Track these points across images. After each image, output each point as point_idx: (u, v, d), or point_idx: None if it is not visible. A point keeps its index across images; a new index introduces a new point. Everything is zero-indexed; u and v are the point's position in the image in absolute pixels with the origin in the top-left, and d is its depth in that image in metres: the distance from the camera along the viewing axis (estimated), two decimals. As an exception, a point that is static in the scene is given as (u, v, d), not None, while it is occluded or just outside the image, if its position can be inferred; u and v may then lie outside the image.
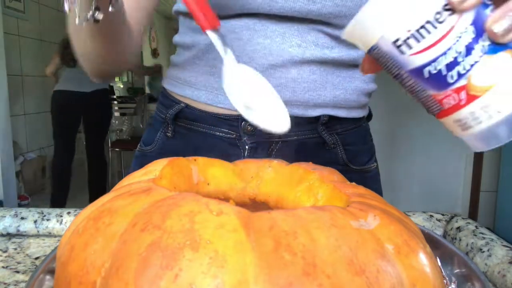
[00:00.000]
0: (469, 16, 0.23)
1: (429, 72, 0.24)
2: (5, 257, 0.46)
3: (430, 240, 0.32)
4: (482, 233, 0.47)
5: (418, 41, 0.24)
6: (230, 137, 0.54)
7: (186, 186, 0.33)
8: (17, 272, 0.42)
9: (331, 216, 0.21)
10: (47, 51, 3.44)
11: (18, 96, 3.10)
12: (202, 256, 0.18)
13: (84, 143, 3.33)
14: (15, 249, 0.48)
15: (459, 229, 0.50)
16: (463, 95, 0.24)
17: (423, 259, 0.22)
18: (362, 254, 0.19)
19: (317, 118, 0.53)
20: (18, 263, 0.44)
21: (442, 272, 0.33)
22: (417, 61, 0.24)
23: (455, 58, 0.23)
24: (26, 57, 3.19)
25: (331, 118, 0.54)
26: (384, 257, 0.20)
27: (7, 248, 0.48)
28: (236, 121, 0.53)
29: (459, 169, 2.39)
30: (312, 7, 0.47)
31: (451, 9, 0.23)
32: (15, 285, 0.39)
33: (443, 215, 0.55)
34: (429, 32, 0.23)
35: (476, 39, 0.23)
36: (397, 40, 0.24)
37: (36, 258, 0.46)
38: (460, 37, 0.23)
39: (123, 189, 0.26)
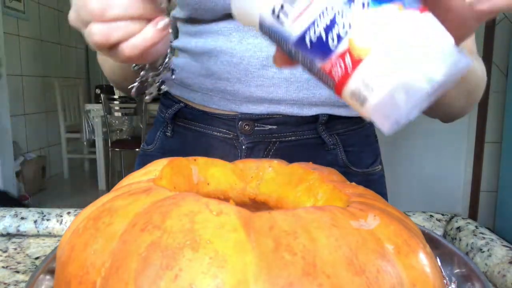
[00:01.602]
0: None
1: (310, 39, 0.21)
2: (5, 257, 0.46)
3: (430, 240, 0.32)
4: (482, 233, 0.47)
5: (292, 4, 0.21)
6: (227, 137, 0.54)
7: (186, 186, 0.33)
8: (17, 272, 0.42)
9: (331, 216, 0.21)
10: (47, 51, 3.44)
11: (18, 96, 3.10)
12: (202, 256, 0.18)
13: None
14: (15, 249, 0.48)
15: (459, 229, 0.50)
16: (348, 59, 0.20)
17: (423, 259, 0.22)
18: (362, 254, 0.20)
19: (316, 118, 0.53)
20: (18, 263, 0.44)
21: (442, 272, 0.33)
22: (296, 29, 0.21)
23: (334, 17, 0.20)
24: (26, 57, 3.19)
25: (332, 117, 0.53)
26: (384, 257, 0.20)
27: (7, 248, 0.48)
28: (233, 121, 0.53)
29: (459, 169, 2.39)
30: None
31: None
32: (15, 285, 0.39)
33: (443, 215, 0.55)
34: None
35: None
36: (274, 10, 0.21)
37: (36, 258, 0.46)
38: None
39: (123, 189, 0.26)
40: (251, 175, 0.37)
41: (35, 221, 0.53)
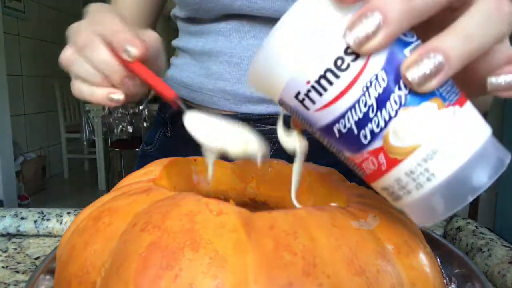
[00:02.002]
0: (381, 59, 0.18)
1: (339, 130, 0.19)
2: (5, 257, 0.46)
3: (430, 240, 0.32)
4: (482, 233, 0.47)
5: (320, 94, 0.19)
6: None
7: (186, 186, 0.33)
8: (17, 272, 0.42)
9: (331, 216, 0.21)
10: (47, 51, 3.44)
11: (18, 96, 3.10)
12: (202, 256, 0.18)
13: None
14: (15, 249, 0.48)
15: (459, 229, 0.50)
16: (382, 158, 0.19)
17: (423, 259, 0.22)
18: (362, 254, 0.20)
19: None
20: (18, 263, 0.44)
21: (442, 272, 0.33)
22: (324, 118, 0.20)
23: (366, 114, 0.18)
24: (26, 57, 3.19)
25: None
26: (384, 257, 0.20)
27: (7, 248, 0.48)
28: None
29: (459, 169, 2.38)
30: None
31: (354, 52, 0.18)
32: (15, 285, 0.39)
33: (443, 215, 0.55)
34: (331, 83, 0.19)
35: (390, 88, 0.18)
36: (298, 93, 0.20)
37: (36, 258, 0.46)
38: (368, 86, 0.18)
39: (123, 189, 0.26)
40: (251, 175, 0.37)
41: (35, 221, 0.53)
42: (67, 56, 0.32)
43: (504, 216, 2.14)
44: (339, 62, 0.18)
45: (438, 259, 0.33)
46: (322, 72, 0.19)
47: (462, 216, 0.54)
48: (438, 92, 0.18)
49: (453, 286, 0.32)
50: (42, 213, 0.54)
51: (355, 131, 0.19)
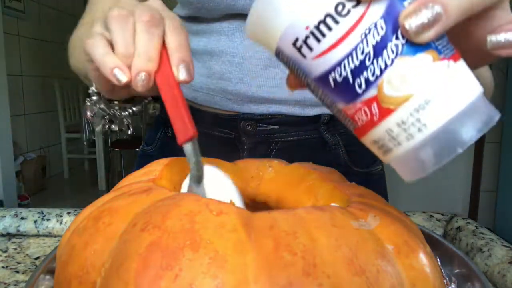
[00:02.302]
0: (380, 7, 0.18)
1: (334, 79, 0.19)
2: (5, 257, 0.46)
3: (430, 240, 0.32)
4: (482, 233, 0.47)
5: (318, 40, 0.19)
6: (229, 137, 0.54)
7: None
8: (17, 272, 0.42)
9: (331, 216, 0.21)
10: (47, 51, 3.44)
11: (18, 96, 3.10)
12: (202, 256, 0.18)
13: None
14: (15, 249, 0.48)
15: (459, 229, 0.50)
16: (375, 108, 0.19)
17: (423, 259, 0.22)
18: (362, 254, 0.19)
19: (317, 118, 0.53)
20: (18, 263, 0.44)
21: (442, 272, 0.33)
22: (320, 66, 0.20)
23: (362, 61, 0.18)
24: (26, 57, 3.19)
25: (333, 117, 0.54)
26: (384, 257, 0.20)
27: (7, 248, 0.48)
28: (234, 121, 0.53)
29: (459, 169, 2.39)
30: None
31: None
32: (15, 285, 0.39)
33: (443, 215, 0.55)
34: (330, 28, 0.18)
35: (387, 37, 0.18)
36: (296, 40, 0.20)
37: (36, 258, 0.46)
38: (367, 34, 0.18)
39: (123, 189, 0.26)
40: (251, 175, 0.37)
41: (35, 221, 0.53)
42: (120, 13, 0.29)
43: (504, 216, 2.14)
44: (339, 8, 0.18)
45: (438, 259, 0.33)
46: (322, 17, 0.19)
47: (462, 216, 0.54)
48: (434, 44, 0.19)
49: (453, 286, 0.32)
50: (42, 213, 0.54)
51: (350, 79, 0.19)
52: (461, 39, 0.22)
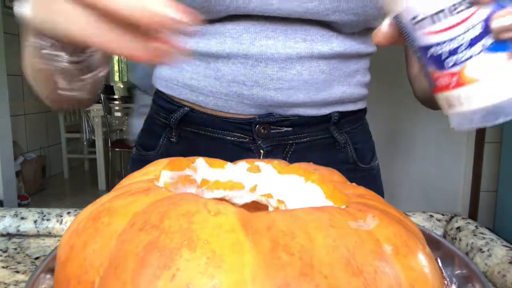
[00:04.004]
0: (484, 13, 0.25)
1: (432, 53, 0.27)
2: (5, 257, 0.46)
3: (431, 241, 0.32)
4: (482, 233, 0.47)
5: (433, 23, 0.26)
6: (243, 141, 0.52)
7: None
8: (17, 272, 0.42)
9: (329, 217, 0.21)
10: (48, 51, 3.44)
11: (18, 96, 3.10)
12: (199, 256, 0.18)
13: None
14: (15, 249, 0.48)
15: (459, 229, 0.50)
16: (454, 79, 0.27)
17: (422, 260, 0.22)
18: (360, 254, 0.19)
19: (328, 117, 0.53)
20: (18, 263, 0.44)
21: (443, 273, 0.33)
22: (427, 40, 0.27)
23: (458, 47, 0.26)
24: (27, 57, 3.19)
25: (341, 116, 0.54)
26: (382, 257, 0.20)
27: (7, 248, 0.48)
28: (249, 125, 0.51)
29: (459, 169, 2.39)
30: (309, 5, 0.46)
31: (470, 2, 0.25)
32: (15, 285, 0.39)
33: (443, 215, 0.55)
34: (445, 17, 0.25)
35: (482, 35, 0.25)
36: (415, 17, 0.26)
37: (36, 258, 0.46)
38: (469, 30, 0.25)
39: (123, 189, 0.26)
40: (252, 175, 0.37)
41: (35, 221, 0.53)
42: None
43: (504, 216, 2.14)
44: (456, 5, 0.25)
45: (439, 260, 0.33)
46: (441, 8, 0.25)
47: (462, 216, 0.54)
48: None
49: (453, 287, 0.32)
50: (42, 213, 0.54)
51: (444, 56, 0.26)
52: None
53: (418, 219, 0.55)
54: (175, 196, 0.22)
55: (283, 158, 0.53)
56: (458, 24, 0.25)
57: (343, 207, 0.25)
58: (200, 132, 0.54)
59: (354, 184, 0.33)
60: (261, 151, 0.52)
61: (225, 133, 0.53)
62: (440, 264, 0.33)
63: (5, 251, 0.47)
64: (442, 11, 0.26)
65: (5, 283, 0.39)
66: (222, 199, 0.33)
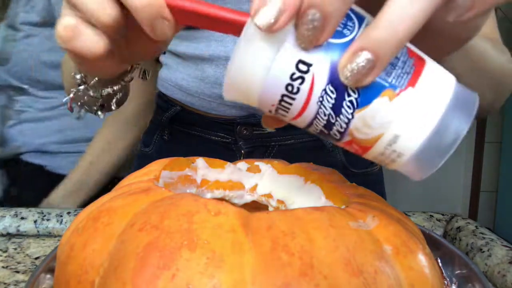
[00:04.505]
0: (324, 76, 0.20)
1: (316, 130, 0.22)
2: (5, 257, 0.46)
3: (431, 241, 0.32)
4: (482, 233, 0.47)
5: (286, 111, 0.22)
6: (226, 141, 0.54)
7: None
8: (17, 272, 0.42)
9: (329, 217, 0.21)
10: (48, 51, 3.44)
11: (18, 96, 3.10)
12: (199, 256, 0.18)
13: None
14: (15, 249, 0.48)
15: (459, 229, 0.50)
16: (356, 147, 0.22)
17: (422, 260, 0.22)
18: (360, 254, 0.19)
19: None
20: (18, 263, 0.44)
21: (443, 273, 0.33)
22: (299, 123, 0.22)
23: (328, 120, 0.21)
24: (27, 57, 3.19)
25: None
26: (382, 258, 0.20)
27: (7, 248, 0.48)
28: (231, 125, 0.52)
29: (459, 169, 2.38)
30: None
31: (300, 77, 0.20)
32: (15, 285, 0.39)
33: (443, 215, 0.55)
34: (290, 104, 0.21)
35: (340, 97, 0.20)
36: (270, 111, 0.22)
37: (36, 258, 0.46)
38: (321, 101, 0.20)
39: (123, 189, 0.26)
40: (252, 175, 0.37)
41: (35, 221, 0.53)
42: None
43: (504, 216, 2.14)
44: (289, 88, 0.20)
45: (439, 260, 0.33)
46: (279, 98, 0.21)
47: (462, 216, 0.54)
48: (387, 82, 0.20)
49: (453, 287, 0.32)
50: (42, 213, 0.54)
51: (326, 131, 0.22)
52: (419, 36, 0.20)
53: (418, 219, 0.55)
54: (175, 196, 0.22)
55: None
56: (307, 102, 0.20)
57: (343, 207, 0.25)
58: (188, 131, 0.56)
59: (354, 184, 0.33)
60: (242, 151, 0.53)
61: (210, 133, 0.54)
62: (440, 264, 0.33)
63: (5, 251, 0.47)
64: (282, 100, 0.21)
65: (5, 283, 0.39)
66: (222, 199, 0.33)
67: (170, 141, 0.58)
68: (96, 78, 0.34)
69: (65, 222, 0.52)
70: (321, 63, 0.19)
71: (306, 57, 0.19)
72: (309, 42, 0.19)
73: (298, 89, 0.20)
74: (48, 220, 0.53)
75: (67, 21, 0.23)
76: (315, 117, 0.21)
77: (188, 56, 0.53)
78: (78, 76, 0.34)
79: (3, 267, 0.43)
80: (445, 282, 0.32)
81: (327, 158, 0.55)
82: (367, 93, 0.20)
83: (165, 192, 0.24)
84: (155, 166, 0.31)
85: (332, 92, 0.20)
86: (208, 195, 0.35)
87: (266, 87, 0.21)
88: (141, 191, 0.24)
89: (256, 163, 0.37)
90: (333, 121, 0.21)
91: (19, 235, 0.52)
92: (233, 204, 0.33)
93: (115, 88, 0.34)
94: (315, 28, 0.18)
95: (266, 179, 0.36)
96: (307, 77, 0.20)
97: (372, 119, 0.20)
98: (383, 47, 0.18)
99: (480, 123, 2.28)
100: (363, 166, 0.58)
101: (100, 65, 0.26)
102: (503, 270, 0.39)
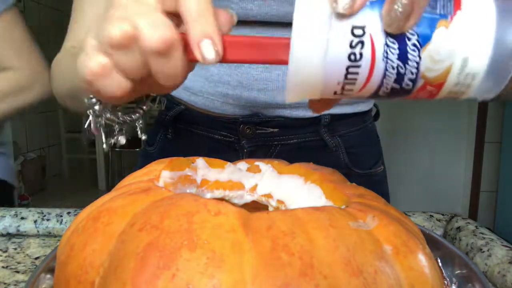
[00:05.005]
0: (380, 33, 0.21)
1: (386, 90, 0.23)
2: (5, 257, 0.46)
3: (431, 241, 0.32)
4: (482, 233, 0.47)
5: (354, 83, 0.22)
6: (229, 140, 0.54)
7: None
8: (17, 272, 0.42)
9: (329, 217, 0.21)
10: (47, 51, 3.44)
11: (18, 96, 3.10)
12: (199, 256, 0.18)
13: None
14: (15, 249, 0.48)
15: (459, 229, 0.50)
16: (430, 88, 0.22)
17: (422, 260, 0.22)
18: (360, 254, 0.19)
19: (318, 119, 0.53)
20: (18, 263, 0.44)
21: (443, 273, 0.33)
22: (368, 91, 0.23)
23: (398, 73, 0.21)
24: (27, 57, 3.19)
25: (333, 118, 0.53)
26: (382, 258, 0.20)
27: (7, 248, 0.48)
28: (234, 124, 0.53)
29: (459, 169, 2.39)
30: (288, 9, 0.46)
31: (358, 42, 0.20)
32: (15, 285, 0.39)
33: (443, 215, 0.55)
34: (356, 73, 0.21)
35: (402, 45, 0.21)
36: (335, 92, 0.23)
37: (36, 258, 0.46)
38: (386, 56, 0.21)
39: (123, 189, 0.26)
40: (252, 175, 0.37)
41: (35, 221, 0.53)
42: (124, 39, 0.23)
43: (504, 216, 2.14)
44: (352, 57, 0.21)
45: (439, 260, 0.33)
46: (345, 71, 0.21)
47: (462, 216, 0.54)
48: (437, 15, 0.21)
49: (453, 287, 0.32)
50: (42, 213, 0.54)
51: (397, 86, 0.22)
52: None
53: (418, 219, 0.55)
54: (175, 196, 0.22)
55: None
56: (373, 63, 0.21)
57: (343, 207, 0.25)
58: (192, 130, 0.56)
59: (354, 184, 0.33)
60: (245, 150, 0.53)
61: (213, 132, 0.54)
62: (440, 264, 0.33)
63: (5, 251, 0.47)
64: (348, 73, 0.21)
65: (5, 283, 0.39)
66: (222, 199, 0.33)
67: (174, 140, 0.58)
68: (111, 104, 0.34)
69: (65, 222, 0.52)
70: (373, 21, 0.20)
71: (357, 21, 0.20)
72: (399, 22, 0.20)
73: (361, 54, 0.21)
74: (48, 220, 0.53)
75: (102, 60, 0.24)
76: (384, 75, 0.21)
77: None
78: (92, 96, 0.32)
79: (3, 267, 0.43)
80: (445, 282, 0.32)
81: (330, 158, 0.55)
82: (424, 30, 0.20)
83: (165, 192, 0.24)
84: (155, 166, 0.31)
85: (393, 43, 0.21)
86: (208, 195, 0.35)
87: (328, 67, 0.21)
88: (141, 191, 0.24)
89: (256, 163, 0.37)
90: (403, 71, 0.21)
91: (19, 235, 0.52)
92: (233, 204, 0.33)
93: (133, 116, 0.35)
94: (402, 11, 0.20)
95: (266, 179, 0.36)
96: (365, 39, 0.20)
97: (438, 52, 0.21)
98: None
99: (480, 123, 2.28)
100: (367, 166, 0.57)
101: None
102: (503, 270, 0.39)
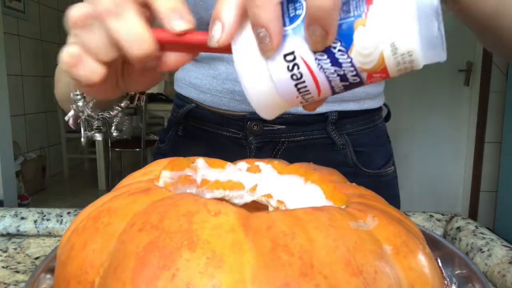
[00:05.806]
0: (308, 52, 0.22)
1: (340, 89, 0.24)
2: (5, 257, 0.46)
3: (431, 241, 0.32)
4: (482, 233, 0.47)
5: (309, 94, 0.24)
6: (237, 137, 0.54)
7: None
8: (17, 272, 0.42)
9: (329, 217, 0.21)
10: (47, 51, 3.44)
11: (18, 96, 3.10)
12: (199, 256, 0.18)
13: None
14: (15, 249, 0.48)
15: (459, 229, 0.50)
16: (376, 75, 0.23)
17: (422, 260, 0.22)
18: (360, 254, 0.19)
19: (325, 117, 0.52)
20: (18, 263, 0.44)
21: (443, 273, 0.33)
22: (326, 93, 0.24)
23: (338, 75, 0.23)
24: (26, 57, 3.19)
25: (341, 116, 0.53)
26: (382, 258, 0.20)
27: (7, 248, 0.48)
28: (242, 121, 0.53)
29: (459, 169, 2.39)
30: None
31: (293, 64, 0.23)
32: (15, 285, 0.39)
33: (443, 215, 0.55)
34: (306, 87, 0.23)
35: (330, 54, 0.22)
36: (301, 102, 0.25)
37: (36, 258, 0.46)
38: (321, 67, 0.23)
39: (123, 189, 0.26)
40: (252, 175, 0.37)
41: (35, 221, 0.53)
42: (81, 17, 0.25)
43: (504, 216, 2.14)
44: (294, 77, 0.23)
45: (439, 260, 0.33)
46: (296, 89, 0.24)
47: (462, 216, 0.54)
48: (352, 17, 0.22)
49: (453, 287, 0.32)
50: (42, 213, 0.54)
51: (346, 83, 0.23)
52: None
53: (418, 219, 0.55)
54: (175, 196, 0.22)
55: (272, 156, 0.54)
56: (312, 74, 0.23)
57: (343, 207, 0.25)
58: (202, 127, 0.57)
59: (354, 184, 0.33)
60: (252, 147, 0.53)
61: (222, 129, 0.55)
62: (440, 264, 0.33)
63: (5, 251, 0.47)
64: (297, 85, 0.23)
65: (5, 283, 0.39)
66: (222, 199, 0.33)
67: (184, 136, 0.59)
68: (94, 101, 0.37)
69: (65, 222, 0.52)
70: (298, 45, 0.23)
71: (286, 49, 0.23)
72: (318, 43, 0.22)
73: (300, 73, 0.23)
74: (48, 220, 0.53)
75: (71, 50, 0.26)
76: (329, 80, 0.23)
77: (201, 57, 0.54)
78: (78, 92, 0.36)
79: (3, 267, 0.43)
80: (445, 282, 0.32)
81: (337, 156, 0.55)
82: (344, 35, 0.22)
83: (165, 192, 0.24)
84: (155, 166, 0.31)
85: (322, 55, 0.22)
86: (208, 195, 0.35)
87: (281, 90, 0.24)
88: (141, 191, 0.24)
89: (256, 163, 0.37)
90: (342, 72, 0.23)
91: (19, 235, 0.52)
92: (233, 204, 0.33)
93: (111, 113, 0.38)
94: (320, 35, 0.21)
95: (266, 179, 0.36)
96: (298, 61, 0.23)
97: (364, 48, 0.22)
98: (324, 14, 0.20)
99: (480, 123, 2.28)
100: (376, 166, 0.57)
101: (96, 88, 0.28)
102: (503, 270, 0.39)
